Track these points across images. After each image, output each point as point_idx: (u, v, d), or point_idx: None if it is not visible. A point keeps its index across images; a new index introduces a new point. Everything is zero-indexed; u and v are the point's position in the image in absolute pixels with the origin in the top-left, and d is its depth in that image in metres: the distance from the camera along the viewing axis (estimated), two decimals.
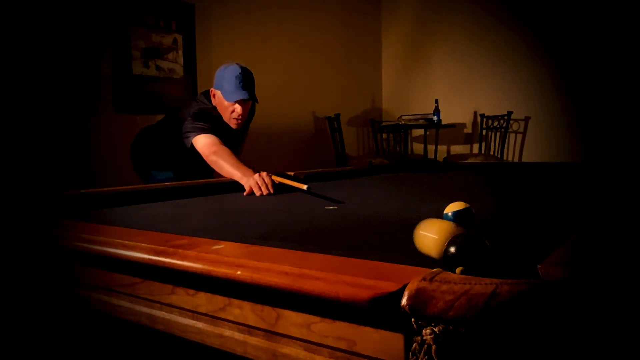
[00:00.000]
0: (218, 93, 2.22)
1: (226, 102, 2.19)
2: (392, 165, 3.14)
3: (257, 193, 1.77)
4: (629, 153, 4.26)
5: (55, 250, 1.04)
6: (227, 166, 1.98)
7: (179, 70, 3.82)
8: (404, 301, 0.54)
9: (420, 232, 0.73)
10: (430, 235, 0.71)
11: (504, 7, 5.06)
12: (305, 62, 5.00)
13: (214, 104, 2.27)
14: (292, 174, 2.10)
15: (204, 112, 2.23)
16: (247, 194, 1.78)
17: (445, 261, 0.67)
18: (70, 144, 3.15)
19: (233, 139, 2.35)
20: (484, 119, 5.18)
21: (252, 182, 1.79)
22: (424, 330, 0.53)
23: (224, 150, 2.06)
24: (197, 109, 2.24)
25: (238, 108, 2.19)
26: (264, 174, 1.83)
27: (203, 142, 2.11)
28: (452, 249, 0.66)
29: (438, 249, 0.68)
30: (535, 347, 0.49)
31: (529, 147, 5.14)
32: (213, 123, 2.19)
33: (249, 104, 2.26)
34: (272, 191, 1.77)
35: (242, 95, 2.15)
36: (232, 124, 2.24)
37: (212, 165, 2.08)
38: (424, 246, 0.72)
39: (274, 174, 1.87)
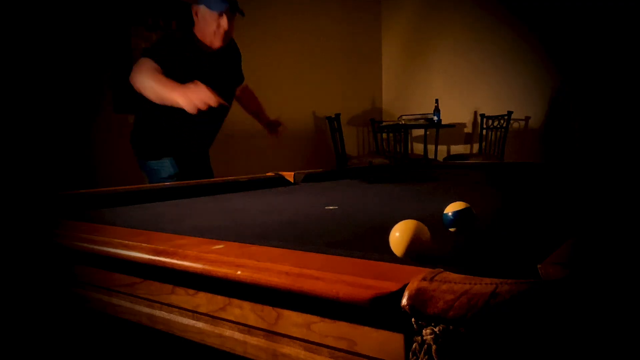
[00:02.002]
0: (201, 8, 2.15)
1: (210, 19, 2.13)
2: (391, 166, 3.14)
3: (204, 108, 1.71)
4: (629, 153, 4.26)
5: (54, 250, 1.04)
6: (156, 85, 1.86)
7: None
8: (404, 301, 0.54)
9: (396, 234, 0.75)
10: (396, 235, 0.74)
11: (504, 7, 5.06)
12: (305, 62, 5.00)
13: (196, 25, 2.19)
14: (293, 173, 2.11)
15: (165, 38, 2.19)
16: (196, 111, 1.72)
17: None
18: (70, 144, 3.15)
19: (212, 64, 2.26)
20: (484, 119, 5.18)
21: (195, 98, 1.72)
22: (424, 330, 0.53)
23: (150, 71, 1.91)
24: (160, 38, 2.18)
25: (224, 22, 2.13)
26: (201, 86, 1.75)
27: (138, 65, 1.97)
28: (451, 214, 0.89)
29: (399, 247, 0.73)
30: (535, 346, 0.49)
31: (529, 147, 5.14)
32: (170, 46, 2.10)
33: (234, 22, 2.20)
34: (218, 101, 1.71)
35: (226, 4, 2.11)
36: (218, 40, 2.18)
37: (140, 88, 1.94)
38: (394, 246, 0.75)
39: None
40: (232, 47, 2.41)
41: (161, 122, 2.28)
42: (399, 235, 0.73)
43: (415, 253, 0.72)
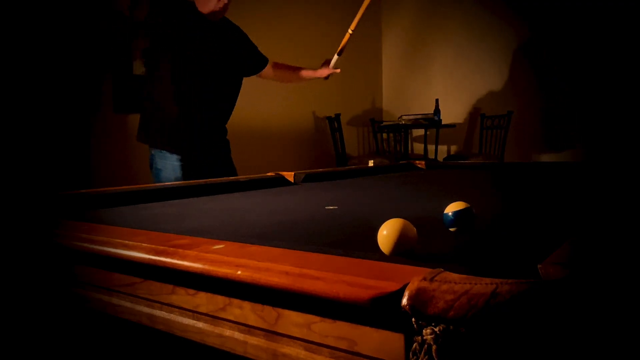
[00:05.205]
0: None
1: None
2: (392, 166, 3.14)
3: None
4: (629, 153, 4.26)
5: (54, 250, 1.04)
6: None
7: None
8: (404, 301, 0.55)
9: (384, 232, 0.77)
10: (384, 233, 0.76)
11: (505, 6, 5.06)
12: (305, 62, 4.99)
13: None
14: (293, 173, 2.10)
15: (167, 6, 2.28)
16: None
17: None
18: (70, 143, 3.15)
19: (217, 34, 2.36)
20: (484, 119, 5.18)
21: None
22: (424, 330, 0.53)
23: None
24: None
25: None
26: None
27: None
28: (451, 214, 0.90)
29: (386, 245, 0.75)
30: (535, 346, 0.49)
31: (529, 148, 5.14)
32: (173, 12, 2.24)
33: None
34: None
35: None
36: (217, 11, 2.27)
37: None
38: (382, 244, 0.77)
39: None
40: (235, 27, 2.49)
41: (167, 105, 2.32)
42: (386, 234, 0.76)
43: (402, 247, 0.75)
